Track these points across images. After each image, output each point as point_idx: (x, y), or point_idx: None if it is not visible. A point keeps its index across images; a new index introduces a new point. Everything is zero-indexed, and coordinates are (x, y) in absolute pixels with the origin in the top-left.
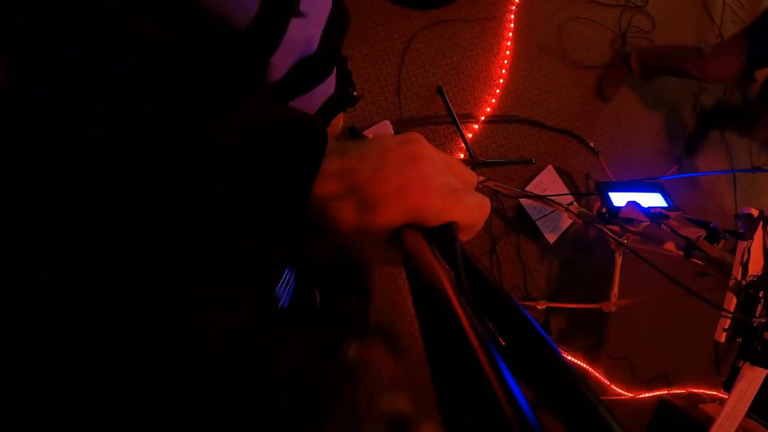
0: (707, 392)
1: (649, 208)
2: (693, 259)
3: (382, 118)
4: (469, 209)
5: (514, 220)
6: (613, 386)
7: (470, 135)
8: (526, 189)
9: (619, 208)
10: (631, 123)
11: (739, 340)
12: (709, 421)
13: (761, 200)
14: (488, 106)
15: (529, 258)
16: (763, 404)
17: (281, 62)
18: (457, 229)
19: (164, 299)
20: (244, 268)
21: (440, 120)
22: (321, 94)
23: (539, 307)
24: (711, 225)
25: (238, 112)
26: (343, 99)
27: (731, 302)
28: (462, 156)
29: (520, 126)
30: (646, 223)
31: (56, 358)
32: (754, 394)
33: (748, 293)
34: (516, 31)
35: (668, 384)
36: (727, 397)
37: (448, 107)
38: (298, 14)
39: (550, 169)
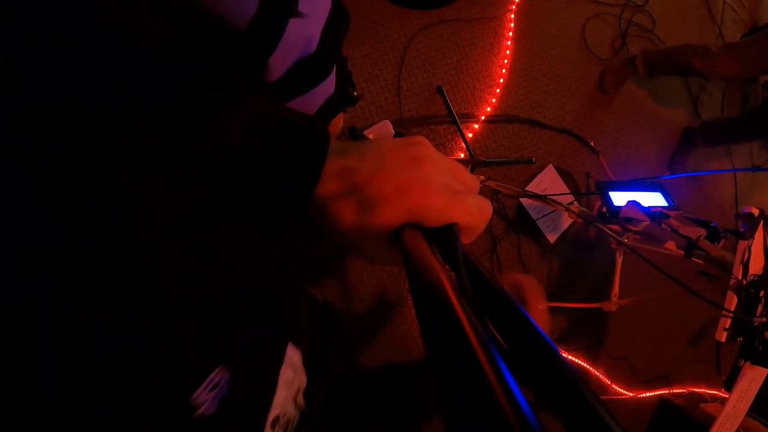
0: (708, 392)
1: (649, 207)
2: (694, 259)
3: (382, 118)
4: (470, 210)
5: (514, 220)
6: (613, 386)
7: (470, 135)
8: (527, 189)
9: (620, 207)
10: (631, 123)
11: (740, 339)
12: (710, 420)
13: (762, 199)
14: (488, 106)
15: (530, 258)
16: (764, 403)
17: (280, 62)
18: (459, 231)
19: (164, 299)
20: (244, 267)
21: (440, 120)
22: (321, 93)
23: (540, 307)
24: (712, 224)
25: (238, 112)
26: (343, 99)
27: (732, 301)
28: (462, 156)
29: (520, 126)
30: (646, 222)
31: (56, 358)
32: (755, 393)
33: (748, 292)
34: (516, 30)
35: (669, 383)
36: (728, 396)
37: (448, 107)
38: (297, 14)
39: (550, 168)
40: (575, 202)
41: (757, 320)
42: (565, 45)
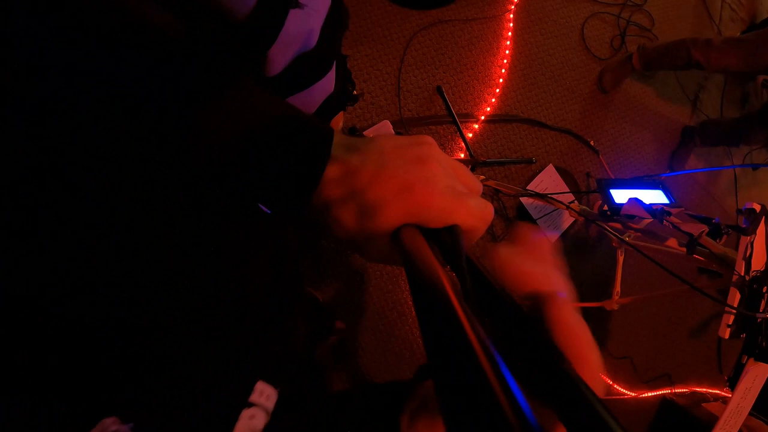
0: (710, 391)
1: (650, 204)
2: (695, 255)
3: (381, 119)
4: (472, 212)
5: (515, 220)
6: (615, 386)
7: (470, 135)
8: (527, 188)
9: (621, 204)
10: (631, 122)
11: (743, 336)
12: (713, 419)
13: (762, 196)
14: (488, 106)
15: None
16: (767, 402)
17: (280, 56)
18: (461, 232)
19: (164, 298)
20: (243, 267)
21: (440, 120)
22: (320, 91)
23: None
24: (713, 221)
25: (239, 111)
26: (343, 97)
27: (735, 298)
28: (462, 156)
29: (520, 125)
30: (648, 219)
31: (56, 356)
32: (759, 390)
33: (751, 288)
34: (515, 30)
35: (671, 383)
36: (730, 395)
37: (447, 107)
38: (297, 5)
39: (550, 168)
40: (576, 201)
41: (760, 316)
42: (565, 44)
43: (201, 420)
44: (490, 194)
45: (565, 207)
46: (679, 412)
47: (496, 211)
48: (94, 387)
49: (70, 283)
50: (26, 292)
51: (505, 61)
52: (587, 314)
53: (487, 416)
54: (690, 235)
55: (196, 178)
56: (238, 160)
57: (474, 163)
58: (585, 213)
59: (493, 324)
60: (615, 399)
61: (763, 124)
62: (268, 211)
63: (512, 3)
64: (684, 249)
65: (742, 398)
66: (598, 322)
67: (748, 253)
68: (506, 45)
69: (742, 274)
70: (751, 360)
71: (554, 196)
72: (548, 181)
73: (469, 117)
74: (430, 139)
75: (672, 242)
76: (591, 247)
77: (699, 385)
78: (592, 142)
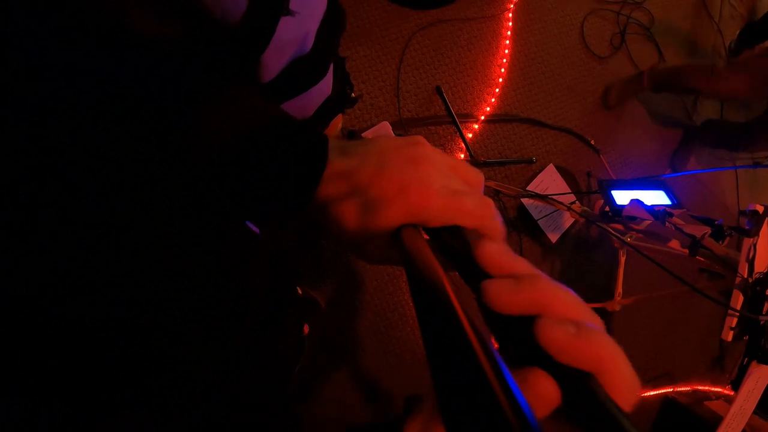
0: (712, 389)
1: (652, 206)
2: (698, 257)
3: (380, 120)
4: (469, 211)
5: (515, 220)
6: None
7: (470, 135)
8: (528, 188)
9: (623, 206)
10: (632, 120)
11: (746, 338)
12: (715, 418)
13: (764, 196)
14: (488, 106)
15: (532, 258)
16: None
17: (274, 61)
18: (465, 233)
19: (164, 298)
20: (243, 267)
21: (440, 120)
22: (318, 94)
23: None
24: (716, 222)
25: (239, 111)
26: (341, 100)
27: (738, 300)
28: (462, 156)
29: (520, 125)
30: (649, 221)
31: (56, 356)
32: (762, 391)
33: (755, 291)
34: (514, 29)
35: (673, 382)
36: (733, 393)
37: (447, 107)
38: (289, 13)
39: (551, 168)
40: (577, 202)
41: (763, 319)
42: (564, 43)
43: (201, 420)
44: (491, 195)
45: (566, 208)
46: (681, 410)
47: None
48: (94, 387)
49: (70, 283)
50: (26, 292)
51: (504, 60)
52: None
53: (487, 416)
54: (693, 237)
55: (196, 178)
56: (238, 159)
57: (474, 164)
58: (586, 214)
59: (504, 336)
60: None
61: (765, 132)
62: (257, 230)
63: (511, 2)
64: (686, 251)
65: (745, 400)
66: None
67: (751, 255)
68: (505, 44)
69: (745, 276)
70: (754, 362)
71: (555, 197)
72: (549, 180)
73: (469, 117)
74: (421, 138)
75: (674, 243)
76: (592, 247)
77: (701, 384)
78: (592, 141)
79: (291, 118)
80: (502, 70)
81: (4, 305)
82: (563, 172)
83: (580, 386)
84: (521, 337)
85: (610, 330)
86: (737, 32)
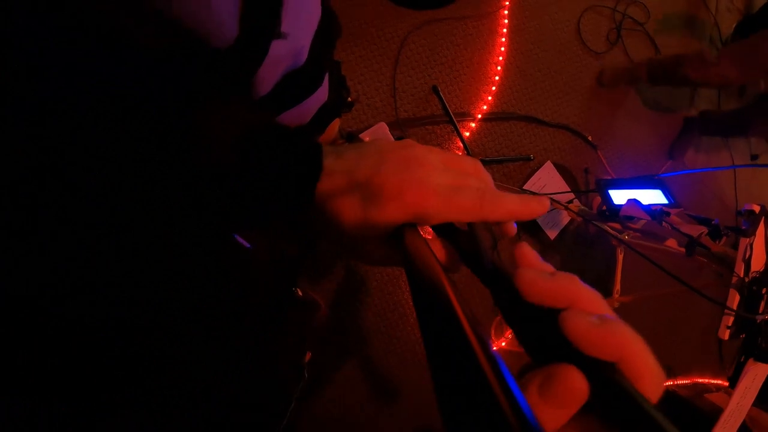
0: (712, 381)
1: (649, 205)
2: (697, 256)
3: (377, 120)
4: (468, 207)
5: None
6: None
7: (467, 133)
8: (525, 186)
9: (620, 206)
10: (629, 115)
11: (743, 336)
12: (716, 410)
13: (762, 193)
14: (485, 104)
15: None
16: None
17: (268, 76)
18: (478, 233)
19: (164, 298)
20: (243, 267)
21: (437, 120)
22: (314, 102)
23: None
24: (713, 222)
25: (240, 112)
26: (337, 105)
27: (734, 299)
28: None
29: (517, 123)
30: (646, 220)
31: (56, 356)
32: (758, 388)
33: (751, 290)
34: (510, 26)
35: (673, 375)
36: (732, 389)
37: (444, 107)
38: (280, 36)
39: (548, 165)
40: (575, 200)
41: (760, 317)
42: (560, 39)
43: (201, 420)
44: None
45: (563, 207)
46: (681, 403)
47: None
48: (94, 387)
49: (70, 283)
50: (26, 292)
51: (500, 58)
52: None
53: (486, 416)
54: (689, 236)
55: (196, 178)
56: (238, 159)
57: None
58: (583, 213)
59: (528, 329)
60: None
61: (762, 116)
62: (248, 245)
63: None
64: (683, 249)
65: (742, 397)
66: None
67: (747, 255)
68: (501, 42)
69: (742, 275)
70: (751, 360)
71: (553, 196)
72: (546, 178)
73: (466, 116)
74: (410, 141)
75: (671, 242)
76: (591, 243)
77: (701, 376)
78: (590, 138)
79: (285, 125)
80: (499, 68)
81: (4, 305)
82: (561, 169)
83: (606, 377)
84: (546, 330)
85: None
86: (734, 25)
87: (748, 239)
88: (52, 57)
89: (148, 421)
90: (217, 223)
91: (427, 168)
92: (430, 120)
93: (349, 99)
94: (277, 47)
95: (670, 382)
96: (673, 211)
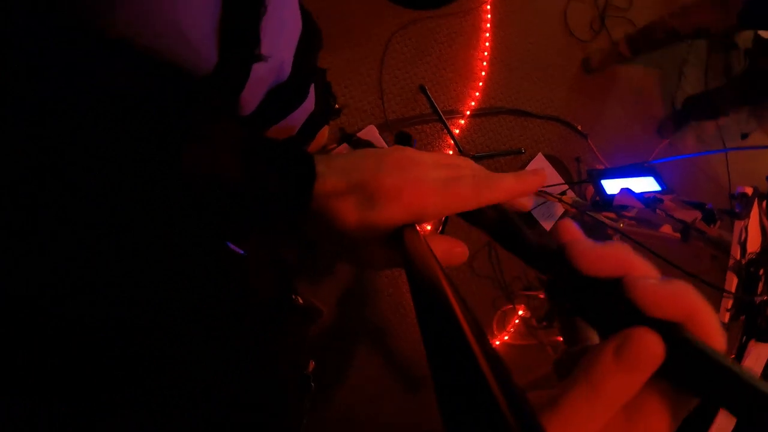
0: None
1: (642, 193)
2: (695, 240)
3: (366, 124)
4: (467, 195)
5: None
6: None
7: (457, 131)
8: None
9: (613, 195)
10: (617, 101)
11: (743, 318)
12: None
13: (756, 171)
14: (473, 100)
15: None
16: None
17: (252, 97)
18: (510, 218)
19: (164, 298)
20: (243, 267)
21: (426, 119)
22: (302, 112)
23: (541, 296)
24: (706, 206)
25: (232, 125)
26: (325, 113)
27: (732, 282)
28: (451, 153)
29: (506, 117)
30: (641, 207)
31: (56, 356)
32: (762, 369)
33: (748, 272)
34: (493, 21)
35: None
36: None
37: (432, 105)
38: (261, 59)
39: (540, 157)
40: (569, 191)
41: (758, 298)
42: (545, 31)
43: (201, 420)
44: None
45: (557, 200)
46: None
47: None
48: (94, 387)
49: (70, 283)
50: (26, 292)
51: (485, 53)
52: None
53: (486, 416)
54: (684, 222)
55: (195, 179)
56: (237, 160)
57: None
58: (577, 205)
59: (587, 302)
60: None
61: (736, 92)
62: (242, 252)
63: None
64: (679, 235)
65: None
66: None
67: (743, 238)
68: (486, 37)
69: (738, 258)
70: (753, 341)
71: (545, 189)
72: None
73: (455, 113)
74: (398, 146)
75: (666, 228)
76: (587, 232)
77: None
78: (579, 127)
79: (274, 138)
80: (484, 63)
81: (4, 305)
82: (552, 159)
83: (679, 337)
84: (609, 299)
85: None
86: None
87: (742, 222)
88: (52, 57)
89: (148, 421)
90: (217, 224)
91: (421, 167)
92: (420, 119)
93: (336, 106)
94: (258, 68)
95: None
96: (666, 197)
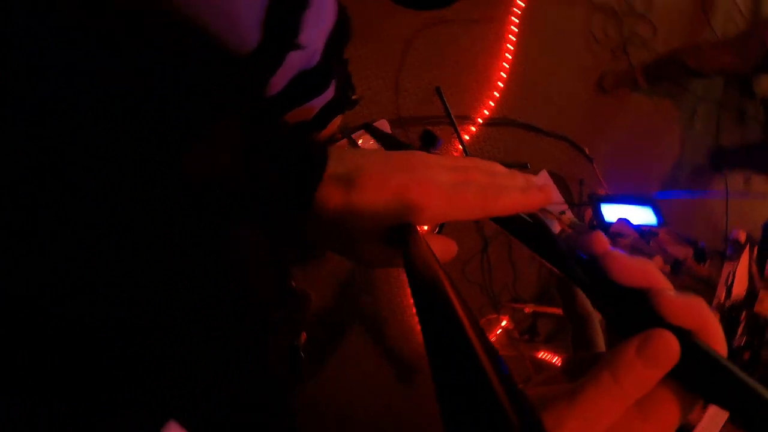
0: None
1: (639, 225)
2: (682, 275)
3: (379, 117)
4: (472, 203)
5: None
6: None
7: (467, 137)
8: None
9: (610, 223)
10: (627, 131)
11: None
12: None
13: (752, 218)
14: (486, 109)
15: (520, 259)
16: None
17: (280, 79)
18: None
19: (164, 298)
20: (243, 267)
21: (437, 121)
22: (321, 99)
23: (527, 310)
24: (699, 245)
25: (240, 115)
26: (342, 102)
27: None
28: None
29: (517, 130)
30: (635, 236)
31: (56, 356)
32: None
33: (730, 315)
34: (517, 34)
35: None
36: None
37: (446, 108)
38: (297, 47)
39: (544, 173)
40: (568, 211)
41: (736, 342)
42: (566, 51)
43: (201, 420)
44: None
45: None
46: None
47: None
48: (94, 387)
49: (70, 283)
50: (26, 292)
51: (505, 64)
52: None
53: (487, 416)
54: (675, 258)
55: (196, 179)
56: (239, 159)
57: None
58: (574, 225)
59: (615, 306)
60: None
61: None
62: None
63: (515, 6)
64: (669, 267)
65: (716, 414)
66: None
67: (729, 281)
68: (507, 49)
69: (722, 299)
70: None
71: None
72: None
73: (467, 119)
74: (410, 151)
75: (657, 259)
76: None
77: None
78: (587, 150)
79: (287, 123)
80: (503, 74)
81: (4, 305)
82: (556, 178)
83: (692, 342)
84: (634, 305)
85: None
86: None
87: (732, 265)
88: (52, 57)
89: (148, 421)
90: (217, 224)
91: (430, 169)
92: (431, 121)
93: (354, 97)
94: (292, 56)
95: None
96: (661, 231)
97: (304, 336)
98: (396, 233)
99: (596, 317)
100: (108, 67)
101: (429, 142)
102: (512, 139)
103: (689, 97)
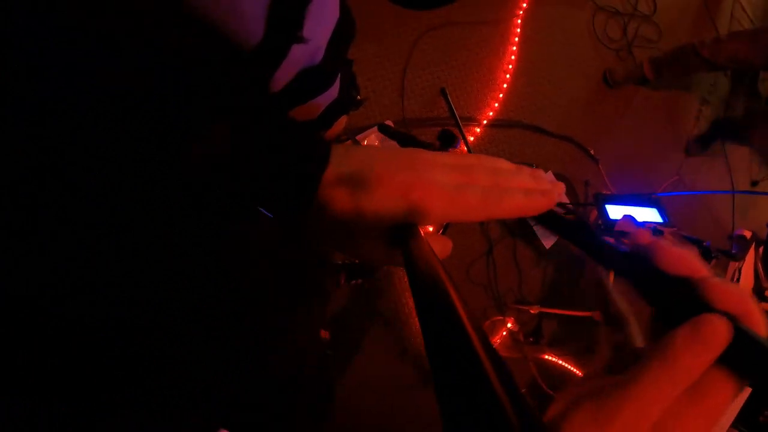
0: None
1: (644, 223)
2: None
3: (384, 118)
4: (475, 205)
5: (511, 224)
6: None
7: (472, 138)
8: None
9: (615, 220)
10: (632, 133)
11: None
12: None
13: (759, 214)
14: (491, 110)
15: (525, 262)
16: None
17: (283, 74)
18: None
19: (164, 298)
20: (244, 267)
21: (442, 122)
22: (325, 98)
23: (532, 312)
24: (704, 244)
25: (240, 112)
26: (347, 102)
27: None
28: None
29: (521, 131)
30: None
31: (56, 356)
32: (739, 408)
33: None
34: (522, 35)
35: None
36: None
37: (451, 110)
38: (301, 41)
39: (549, 175)
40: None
41: None
42: (571, 52)
43: (201, 420)
44: None
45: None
46: None
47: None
48: (94, 387)
49: (70, 283)
50: (26, 292)
51: (510, 66)
52: (577, 321)
53: (488, 417)
54: None
55: (196, 179)
56: (239, 159)
57: None
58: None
59: (662, 294)
60: None
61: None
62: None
63: (521, 8)
64: None
65: (726, 420)
66: (587, 329)
67: (735, 279)
68: (512, 50)
69: None
70: None
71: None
72: None
73: (472, 120)
74: (410, 149)
75: None
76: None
77: None
78: (592, 151)
79: (293, 120)
80: (508, 75)
81: (4, 305)
82: (561, 179)
83: (739, 326)
84: (680, 293)
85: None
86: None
87: (737, 263)
88: (52, 57)
89: (148, 421)
90: (217, 224)
91: (434, 170)
92: (436, 122)
93: (359, 97)
94: (296, 50)
95: None
96: (666, 230)
97: (327, 334)
98: (398, 233)
99: (633, 317)
100: (108, 67)
101: (448, 142)
102: (517, 140)
103: (694, 97)
